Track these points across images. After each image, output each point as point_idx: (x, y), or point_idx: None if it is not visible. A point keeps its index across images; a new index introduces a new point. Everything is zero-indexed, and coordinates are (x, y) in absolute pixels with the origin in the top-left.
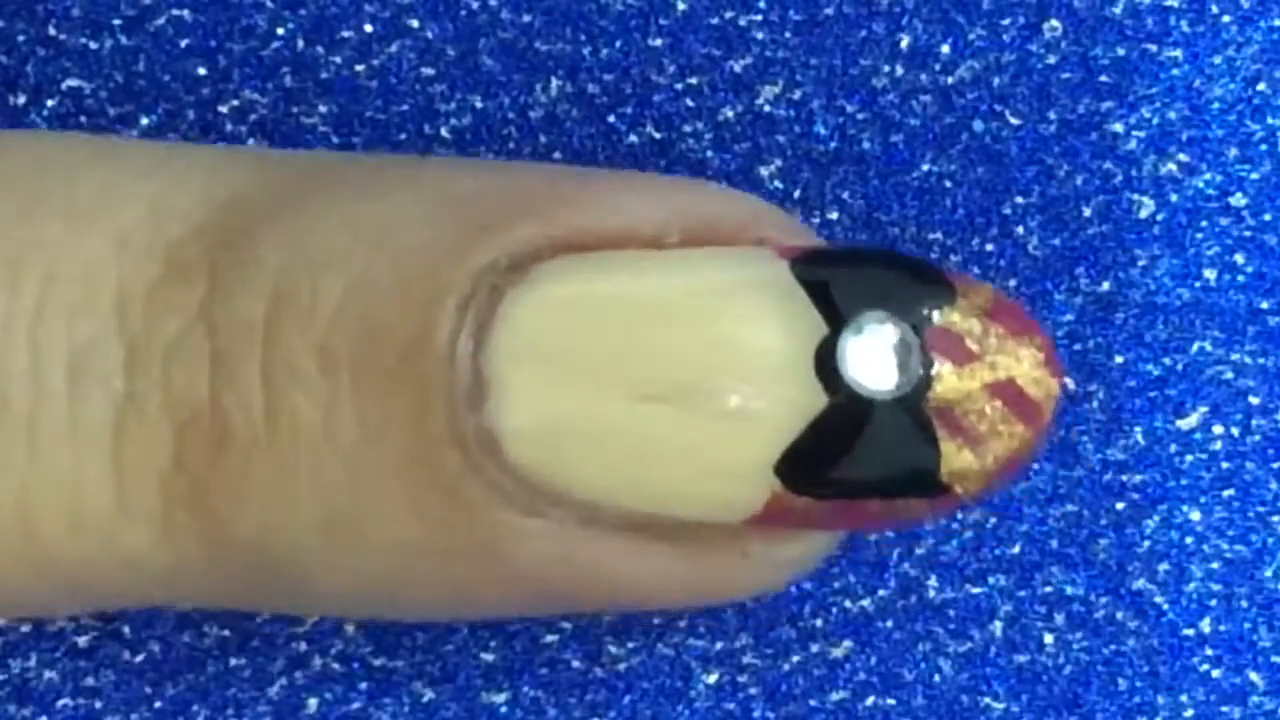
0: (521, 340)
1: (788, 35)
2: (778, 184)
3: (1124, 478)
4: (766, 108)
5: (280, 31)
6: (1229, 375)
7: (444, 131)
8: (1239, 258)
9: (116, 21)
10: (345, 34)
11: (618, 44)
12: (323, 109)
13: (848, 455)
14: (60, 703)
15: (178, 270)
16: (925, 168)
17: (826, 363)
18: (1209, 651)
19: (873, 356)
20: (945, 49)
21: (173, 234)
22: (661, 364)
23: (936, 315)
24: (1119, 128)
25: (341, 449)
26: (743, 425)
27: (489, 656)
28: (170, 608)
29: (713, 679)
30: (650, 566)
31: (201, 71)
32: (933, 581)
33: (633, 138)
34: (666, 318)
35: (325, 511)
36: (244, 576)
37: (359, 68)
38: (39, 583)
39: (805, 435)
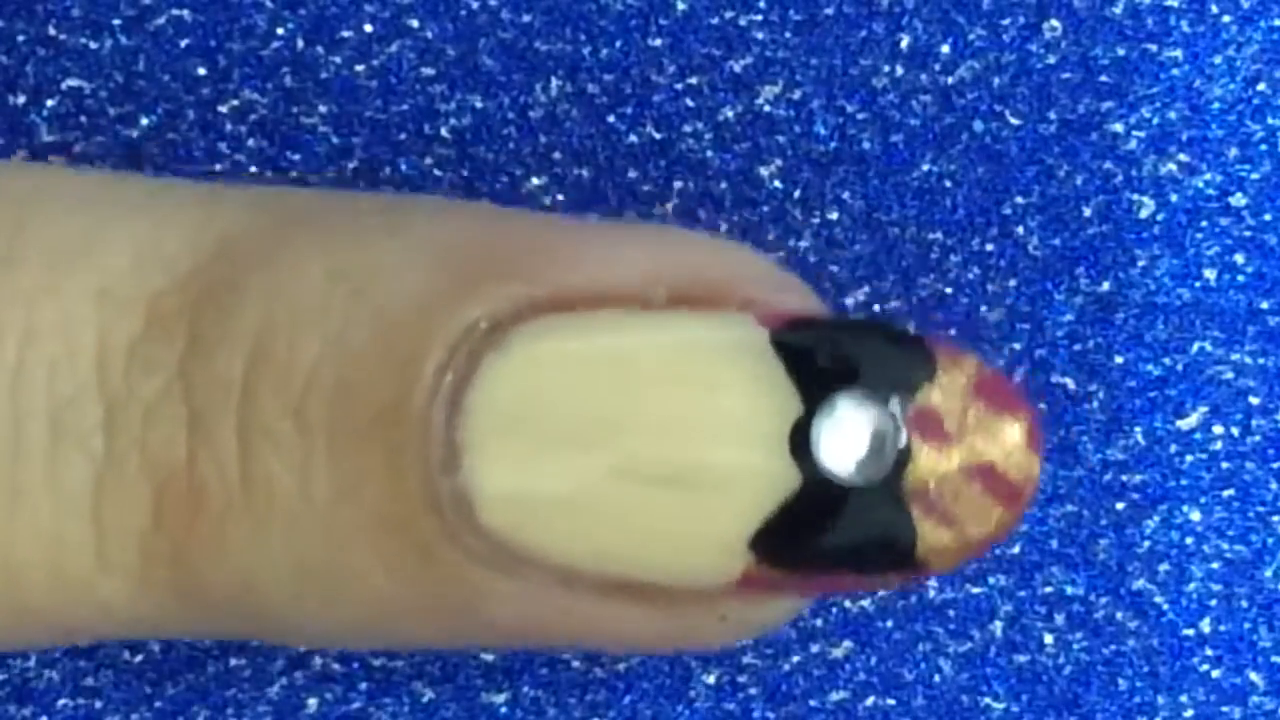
0: (497, 408)
1: (788, 35)
2: (778, 184)
3: (1124, 478)
4: (766, 108)
5: (280, 31)
6: (1229, 375)
7: (444, 131)
8: (1239, 258)
9: (116, 21)
10: (345, 34)
11: (618, 44)
12: (323, 109)
13: (822, 532)
14: (60, 703)
15: (158, 324)
16: (925, 168)
17: (801, 442)
18: (1209, 651)
19: (847, 438)
20: (945, 49)
21: (156, 285)
22: (635, 434)
23: (916, 393)
24: (1119, 128)
25: (316, 510)
26: (715, 498)
27: (489, 656)
28: None
29: (713, 679)
30: (625, 626)
31: (201, 71)
32: (933, 581)
33: (633, 138)
34: (641, 386)
35: (300, 569)
36: (224, 623)
37: (359, 68)
38: (18, 626)
39: (779, 511)
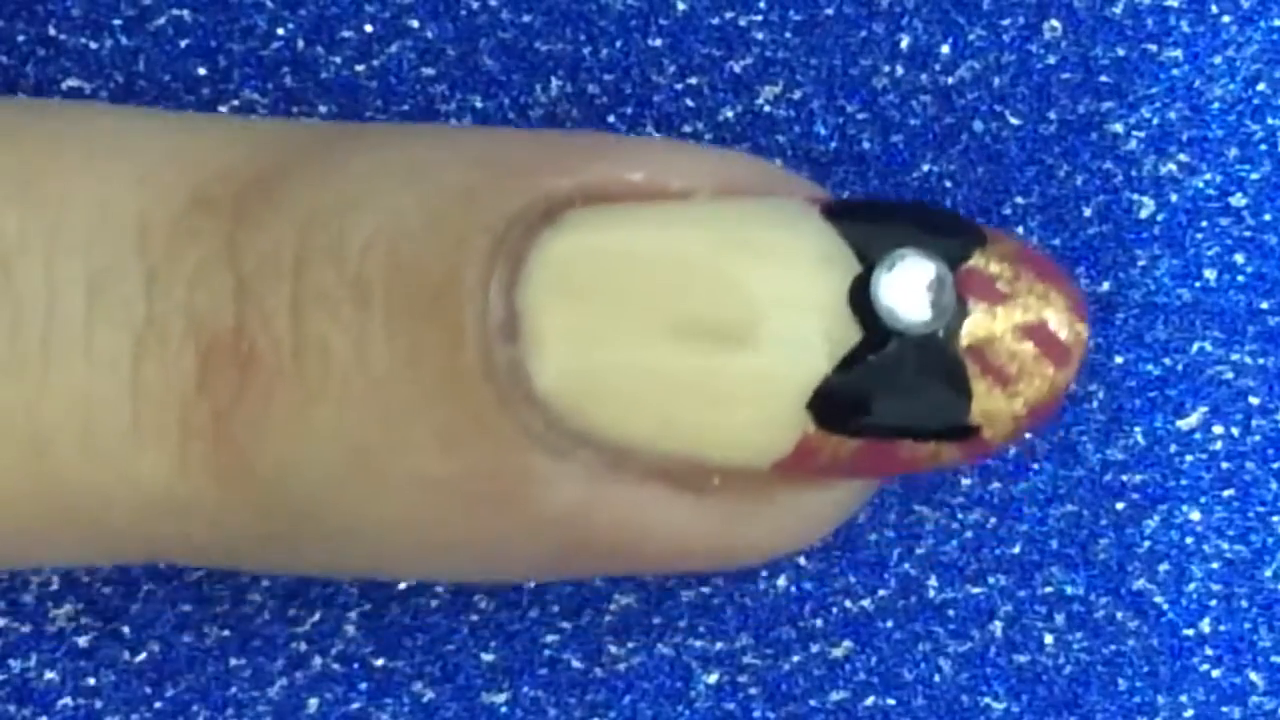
0: (555, 277)
1: (788, 35)
2: None
3: (1124, 478)
4: (766, 108)
5: (280, 31)
6: (1229, 375)
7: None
8: (1239, 258)
9: (116, 21)
10: (345, 34)
11: (618, 44)
12: (323, 109)
13: (880, 392)
14: (60, 703)
15: (202, 204)
16: (925, 168)
17: (861, 298)
18: (1209, 651)
19: (907, 291)
20: (945, 49)
21: (197, 173)
22: (695, 303)
23: (967, 259)
24: (1119, 128)
25: (371, 380)
26: (775, 361)
27: (489, 656)
28: (170, 605)
29: (713, 679)
30: (675, 516)
31: (201, 71)
32: (933, 581)
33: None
34: (699, 259)
35: (350, 445)
36: (256, 518)
37: (359, 68)
38: (46, 512)
39: (838, 372)
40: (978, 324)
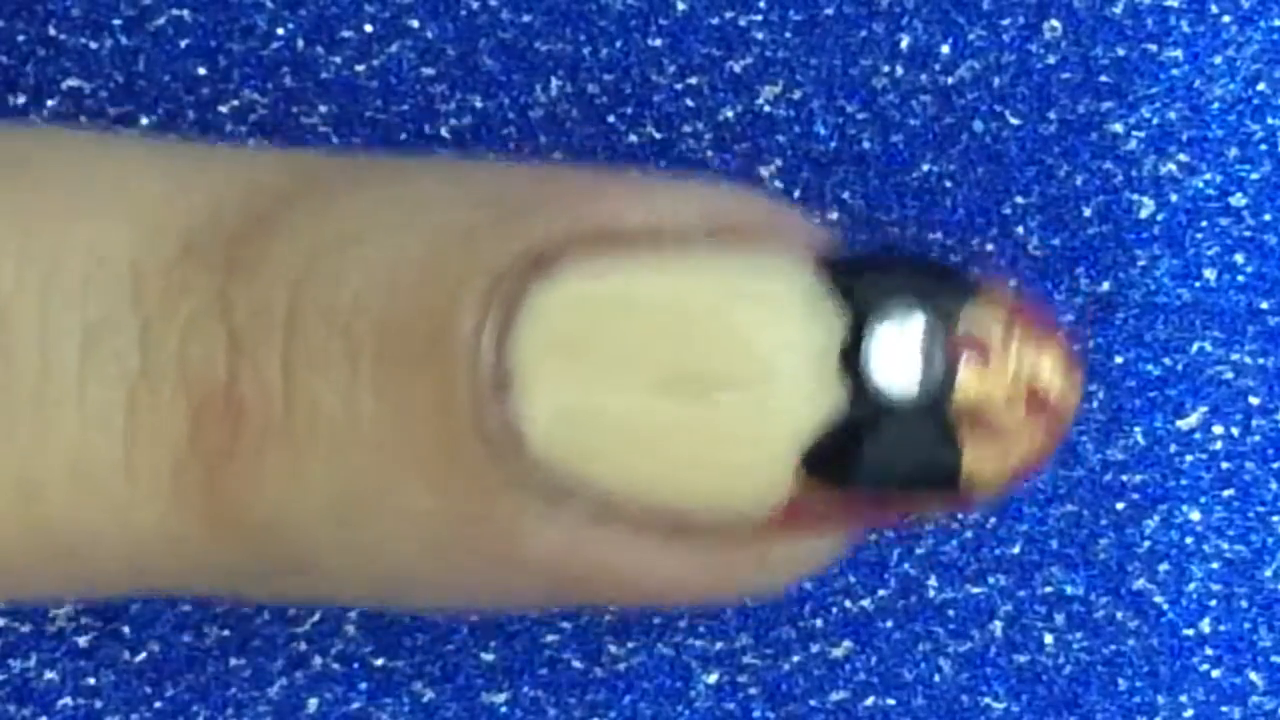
0: (546, 331)
1: (788, 35)
2: (778, 184)
3: (1124, 478)
4: (766, 108)
5: (280, 31)
6: (1229, 375)
7: (444, 131)
8: (1239, 258)
9: (116, 21)
10: (345, 34)
11: (618, 44)
12: (323, 109)
13: (869, 450)
14: (60, 703)
15: (196, 251)
16: (925, 168)
17: (852, 357)
18: (1209, 651)
19: (897, 354)
20: (945, 49)
21: (190, 217)
22: (686, 357)
23: (959, 316)
24: (1119, 128)
25: (361, 434)
26: (766, 420)
27: (489, 656)
28: (170, 605)
29: (713, 679)
30: (666, 562)
31: (201, 71)
32: (933, 581)
33: (633, 138)
34: (692, 312)
35: (340, 497)
36: (250, 561)
37: (359, 68)
38: (36, 554)
39: (828, 430)
40: (968, 383)
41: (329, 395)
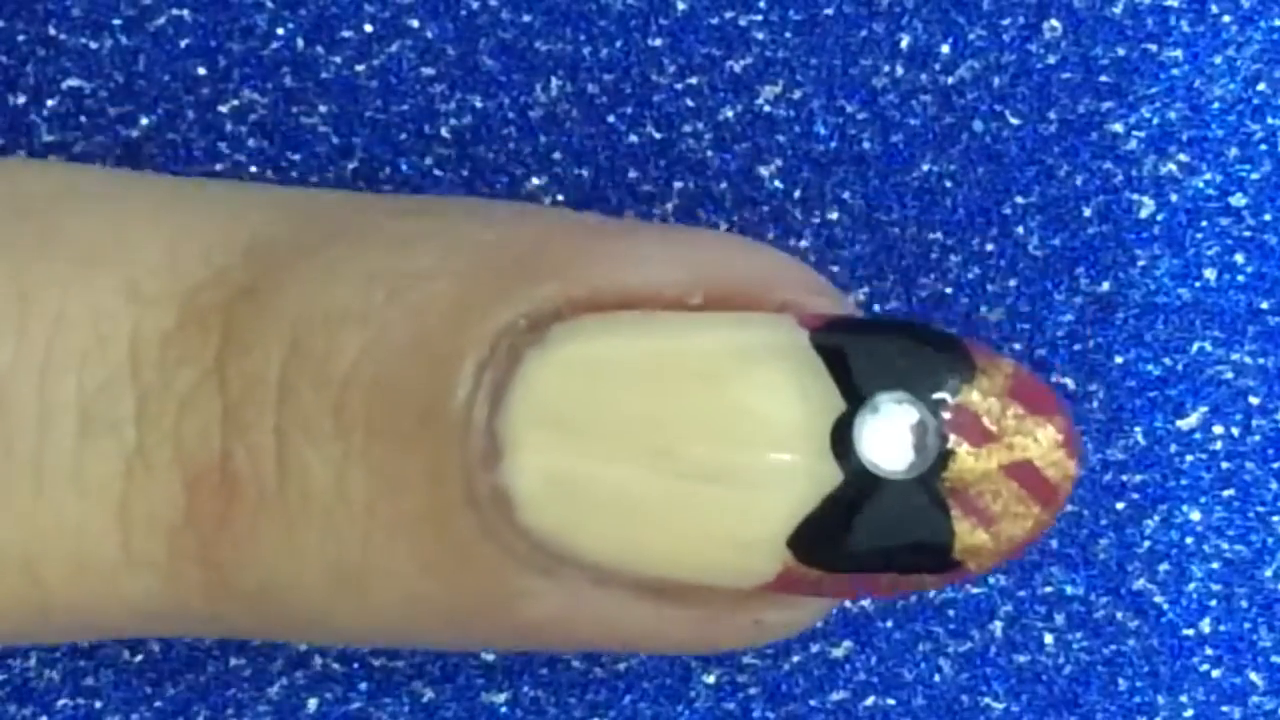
0: (537, 404)
1: (788, 35)
2: (778, 184)
3: (1124, 478)
4: (766, 108)
5: (280, 31)
6: (1229, 375)
7: (444, 131)
8: (1239, 258)
9: (116, 21)
10: (345, 34)
11: (618, 44)
12: (323, 109)
13: (861, 530)
14: (60, 703)
15: (193, 319)
16: (925, 168)
17: (843, 439)
18: (1209, 651)
19: (889, 436)
20: (945, 49)
21: (187, 282)
22: (677, 432)
23: (955, 393)
24: (1119, 128)
25: (353, 507)
26: (757, 496)
27: (489, 656)
28: None
29: (713, 679)
30: (657, 627)
31: (201, 71)
32: None
33: (633, 138)
34: (684, 385)
35: (333, 568)
36: (248, 621)
37: (359, 68)
38: (40, 621)
39: (819, 508)
40: (962, 464)
41: (321, 468)
